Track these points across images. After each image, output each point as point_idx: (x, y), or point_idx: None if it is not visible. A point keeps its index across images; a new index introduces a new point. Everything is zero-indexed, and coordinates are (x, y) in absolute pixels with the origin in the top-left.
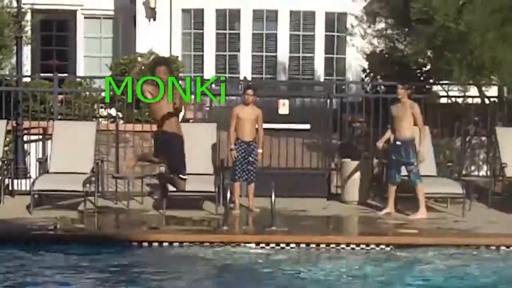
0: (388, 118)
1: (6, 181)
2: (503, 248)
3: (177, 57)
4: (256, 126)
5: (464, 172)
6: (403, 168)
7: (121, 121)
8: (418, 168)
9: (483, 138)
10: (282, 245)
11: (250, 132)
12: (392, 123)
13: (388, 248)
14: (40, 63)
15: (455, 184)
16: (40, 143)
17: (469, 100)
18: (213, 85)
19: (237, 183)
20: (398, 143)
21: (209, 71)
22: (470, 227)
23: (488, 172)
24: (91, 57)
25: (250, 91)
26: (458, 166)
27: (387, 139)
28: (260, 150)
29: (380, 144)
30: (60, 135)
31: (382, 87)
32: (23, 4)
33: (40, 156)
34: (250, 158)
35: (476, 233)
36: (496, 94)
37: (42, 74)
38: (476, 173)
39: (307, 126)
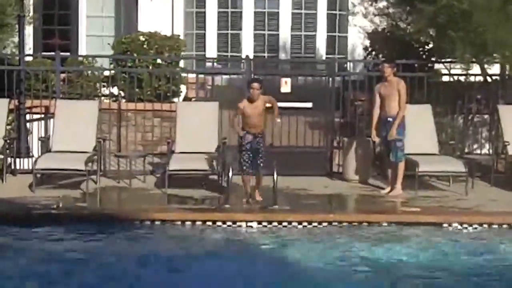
0: None
1: (9, 160)
2: (505, 226)
3: (179, 35)
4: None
5: (466, 151)
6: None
7: (123, 100)
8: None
9: (486, 116)
10: (284, 223)
11: (257, 125)
12: (381, 102)
13: (390, 227)
14: (43, 42)
15: (458, 162)
16: (43, 122)
17: (472, 78)
18: (216, 64)
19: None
20: (389, 119)
21: (211, 50)
22: (473, 205)
23: (491, 150)
24: (93, 36)
25: (255, 85)
26: (461, 144)
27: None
28: (278, 119)
29: (375, 137)
30: (62, 114)
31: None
32: None
33: (43, 135)
34: (257, 149)
35: (478, 211)
36: (498, 72)
37: (44, 53)
38: (478, 151)
39: (309, 105)
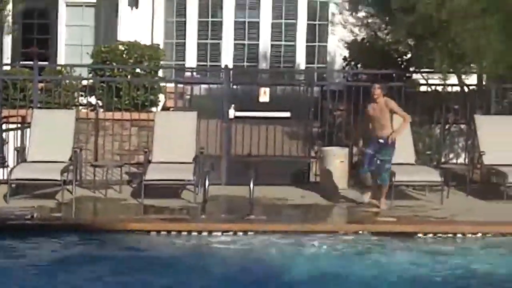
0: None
1: None
2: (480, 236)
3: (159, 45)
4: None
5: (443, 160)
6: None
7: (101, 109)
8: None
9: (462, 126)
10: (261, 233)
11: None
12: (371, 123)
13: (367, 236)
14: (21, 51)
15: (434, 172)
16: (19, 131)
17: (449, 88)
18: (195, 74)
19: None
20: (380, 140)
21: (191, 59)
22: (448, 215)
23: (467, 160)
24: (72, 45)
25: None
26: (437, 154)
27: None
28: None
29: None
30: (39, 123)
31: (363, 75)
32: None
33: (19, 144)
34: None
35: (454, 221)
36: (475, 82)
37: (22, 62)
38: (454, 161)
39: (288, 114)
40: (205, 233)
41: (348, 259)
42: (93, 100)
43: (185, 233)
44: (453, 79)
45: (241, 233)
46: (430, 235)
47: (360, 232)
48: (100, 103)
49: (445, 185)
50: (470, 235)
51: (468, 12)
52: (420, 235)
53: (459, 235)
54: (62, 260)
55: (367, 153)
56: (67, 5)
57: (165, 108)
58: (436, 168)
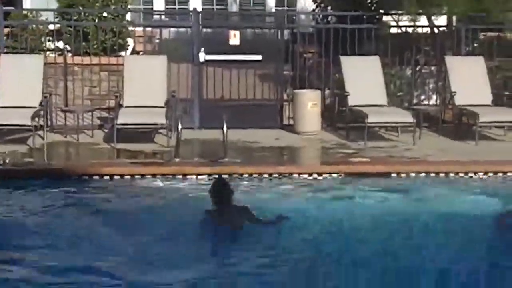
0: (338, 49)
1: None
2: (451, 175)
3: None
4: None
5: (414, 101)
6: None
7: (69, 54)
8: None
9: (433, 68)
10: (235, 176)
11: None
12: None
13: (340, 177)
14: None
15: (406, 113)
16: None
17: (419, 30)
18: (163, 17)
19: None
20: None
21: (159, 2)
22: (421, 155)
23: (438, 101)
24: None
25: None
26: (409, 96)
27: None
28: None
29: None
30: (7, 69)
31: (333, 17)
32: None
33: None
34: None
35: (426, 161)
36: (445, 23)
37: None
38: (426, 102)
39: (259, 57)
40: (179, 176)
41: (321, 200)
42: (60, 44)
43: (159, 176)
44: (423, 20)
45: (215, 176)
46: (403, 175)
47: (334, 173)
48: (68, 47)
49: (417, 126)
50: (442, 174)
51: None
52: (393, 175)
53: (432, 174)
54: (35, 205)
55: None
56: None
57: (134, 52)
58: (408, 109)
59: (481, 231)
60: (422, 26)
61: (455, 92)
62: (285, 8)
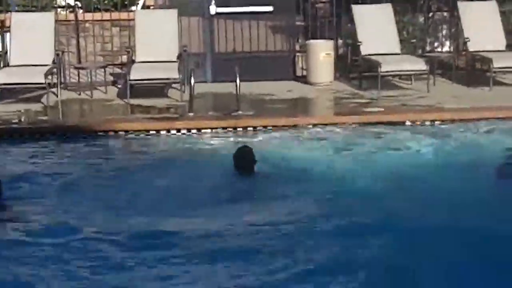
0: None
1: None
2: (466, 122)
3: None
4: None
5: (427, 48)
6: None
7: (80, 11)
8: None
9: (445, 14)
10: (249, 129)
11: None
12: None
13: (356, 127)
14: None
15: (419, 60)
16: None
17: None
18: None
19: None
20: None
21: None
22: (435, 103)
23: (451, 48)
24: None
25: None
26: (422, 43)
27: None
28: None
29: None
30: (18, 27)
31: None
32: None
33: (0, 49)
34: None
35: (441, 108)
36: None
37: None
38: (439, 49)
39: (270, 8)
40: (193, 131)
41: (337, 149)
42: (71, 1)
43: (174, 131)
44: None
45: (229, 129)
46: (418, 123)
47: (348, 123)
48: (79, 4)
49: (431, 73)
50: (458, 121)
51: None
52: (408, 123)
53: (447, 122)
54: (54, 162)
55: None
56: None
57: (145, 7)
58: (421, 56)
59: None
60: None
61: (468, 38)
62: None
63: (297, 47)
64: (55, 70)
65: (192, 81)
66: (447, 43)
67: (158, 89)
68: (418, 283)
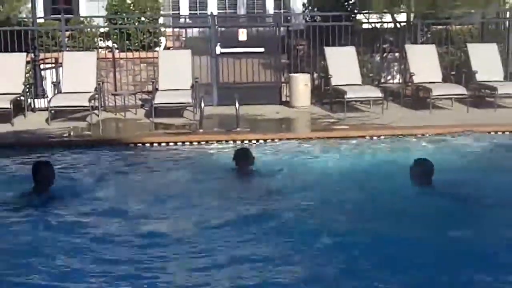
0: (323, 42)
1: (29, 100)
2: (412, 137)
3: None
4: None
5: (382, 80)
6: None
7: (117, 51)
8: None
9: (396, 54)
10: (246, 141)
11: None
12: None
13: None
14: (51, 7)
15: (376, 89)
16: (54, 70)
17: (385, 25)
18: (188, 20)
19: None
20: None
21: (184, 9)
22: (388, 122)
23: (400, 80)
24: (91, 1)
25: None
26: (378, 76)
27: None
28: None
29: None
30: (68, 63)
31: (318, 17)
32: None
33: (54, 80)
34: None
35: (392, 126)
36: (405, 19)
37: (52, 16)
38: (391, 81)
39: (262, 49)
40: (203, 143)
41: (311, 157)
42: (109, 43)
43: (188, 143)
44: (388, 17)
45: (231, 142)
46: (375, 138)
47: (321, 137)
48: (115, 46)
49: (385, 99)
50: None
51: None
52: (367, 137)
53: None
54: (100, 167)
55: None
56: None
57: (166, 48)
58: (377, 86)
59: None
60: (388, 22)
61: (413, 72)
62: (281, 10)
63: (283, 79)
64: (96, 96)
65: (202, 104)
66: (397, 76)
67: (176, 110)
68: None
